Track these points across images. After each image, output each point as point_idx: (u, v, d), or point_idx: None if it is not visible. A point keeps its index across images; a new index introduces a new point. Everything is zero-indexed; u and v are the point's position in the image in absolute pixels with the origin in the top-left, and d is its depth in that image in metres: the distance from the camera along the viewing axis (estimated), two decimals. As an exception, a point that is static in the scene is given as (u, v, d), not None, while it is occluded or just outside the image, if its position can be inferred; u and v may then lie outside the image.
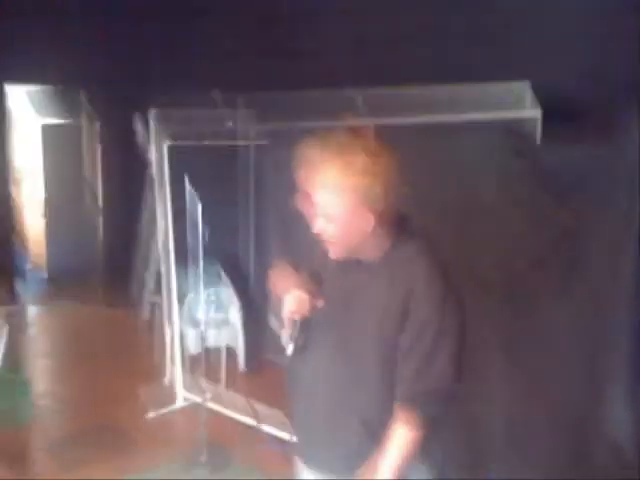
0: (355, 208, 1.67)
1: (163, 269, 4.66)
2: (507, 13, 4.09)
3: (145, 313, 5.74)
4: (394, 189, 1.68)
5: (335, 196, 1.67)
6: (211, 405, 4.17)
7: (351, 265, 1.82)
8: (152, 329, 5.19)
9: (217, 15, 5.78)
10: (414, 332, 1.73)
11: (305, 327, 1.81)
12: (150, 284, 5.58)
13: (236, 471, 3.74)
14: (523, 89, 3.61)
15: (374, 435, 1.79)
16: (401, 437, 1.75)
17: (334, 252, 1.78)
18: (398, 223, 1.79)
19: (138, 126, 4.48)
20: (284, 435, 3.89)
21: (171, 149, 4.42)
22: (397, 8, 4.69)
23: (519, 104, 3.58)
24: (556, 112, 3.53)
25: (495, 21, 4.16)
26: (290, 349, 1.80)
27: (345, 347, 1.82)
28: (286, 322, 1.82)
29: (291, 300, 1.78)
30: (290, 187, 1.72)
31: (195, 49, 5.85)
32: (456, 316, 1.76)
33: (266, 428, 3.99)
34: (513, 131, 3.20)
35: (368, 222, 1.70)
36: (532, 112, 3.55)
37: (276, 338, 4.98)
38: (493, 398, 2.83)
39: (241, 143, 4.94)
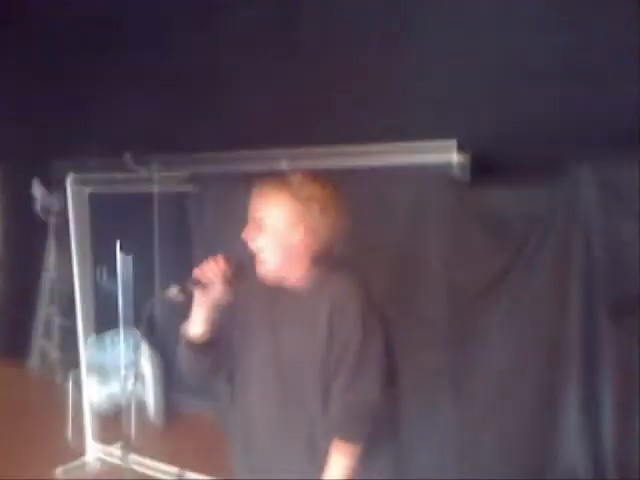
0: (292, 222, 1.84)
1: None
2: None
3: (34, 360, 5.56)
4: (331, 218, 1.87)
5: (277, 210, 1.85)
6: (123, 460, 3.99)
7: (277, 294, 1.92)
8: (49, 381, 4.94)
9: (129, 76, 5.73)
10: (339, 350, 1.83)
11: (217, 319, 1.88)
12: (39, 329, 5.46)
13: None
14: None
15: (319, 456, 1.85)
16: (337, 460, 1.83)
17: (265, 269, 1.87)
18: (325, 253, 1.91)
19: (37, 191, 4.41)
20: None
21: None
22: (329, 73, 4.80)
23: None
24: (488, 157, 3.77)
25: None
26: (170, 295, 1.83)
27: (281, 375, 1.88)
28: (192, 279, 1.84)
29: (210, 264, 1.85)
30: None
31: (102, 112, 5.74)
32: (377, 334, 1.88)
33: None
34: (446, 174, 3.36)
35: (299, 237, 1.85)
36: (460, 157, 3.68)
37: (188, 388, 4.87)
38: (445, 430, 2.94)
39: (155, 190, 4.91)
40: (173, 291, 1.82)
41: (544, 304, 2.78)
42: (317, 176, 1.92)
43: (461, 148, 3.52)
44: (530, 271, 2.80)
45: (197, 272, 1.83)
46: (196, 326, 1.88)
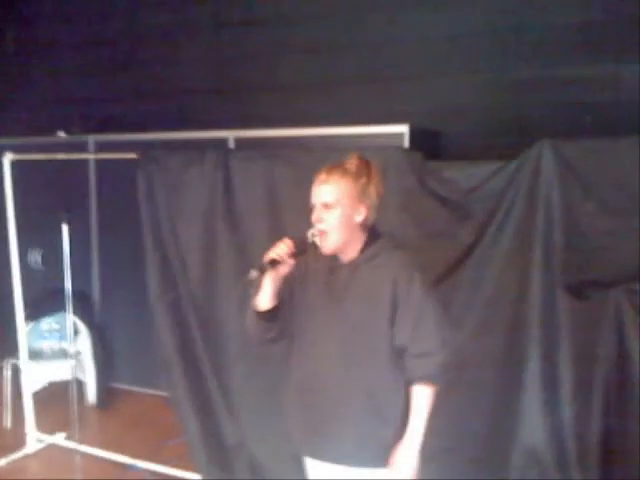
0: (351, 199, 2.07)
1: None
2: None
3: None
4: (380, 196, 2.13)
5: (336, 188, 2.06)
6: (68, 444, 3.87)
7: (335, 266, 2.14)
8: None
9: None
10: (407, 311, 2.04)
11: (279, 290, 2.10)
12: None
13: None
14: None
15: (380, 413, 2.08)
16: (420, 403, 2.05)
17: (326, 246, 2.08)
18: (373, 227, 2.16)
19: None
20: (157, 469, 3.72)
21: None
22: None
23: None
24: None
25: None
26: (252, 277, 2.01)
27: (344, 337, 2.09)
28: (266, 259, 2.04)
29: (281, 245, 2.05)
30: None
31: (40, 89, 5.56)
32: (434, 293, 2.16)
33: (141, 464, 3.78)
34: (405, 150, 3.32)
35: (360, 214, 2.09)
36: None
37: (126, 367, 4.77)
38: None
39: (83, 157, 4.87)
40: (253, 274, 2.00)
41: (505, 282, 2.79)
42: (367, 159, 2.14)
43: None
44: (493, 248, 2.80)
45: (270, 253, 2.03)
46: (266, 300, 2.10)
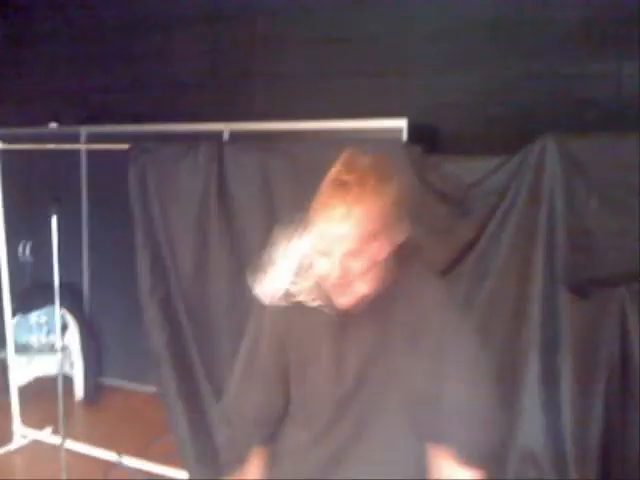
0: (382, 228, 1.45)
1: None
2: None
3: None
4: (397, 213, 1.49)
5: (360, 222, 1.41)
6: (54, 440, 3.78)
7: (337, 319, 1.59)
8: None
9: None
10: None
11: None
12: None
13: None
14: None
15: None
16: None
17: (348, 302, 1.52)
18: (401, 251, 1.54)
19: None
20: (144, 466, 3.65)
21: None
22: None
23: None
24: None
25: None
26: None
27: (368, 412, 1.60)
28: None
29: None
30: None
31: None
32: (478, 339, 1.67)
33: (127, 461, 3.70)
34: (405, 143, 3.25)
35: (384, 248, 1.49)
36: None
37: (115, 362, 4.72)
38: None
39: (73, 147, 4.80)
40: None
41: (507, 279, 2.72)
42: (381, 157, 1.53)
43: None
44: (494, 245, 2.73)
45: None
46: None
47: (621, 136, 2.57)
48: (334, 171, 1.46)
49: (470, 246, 2.75)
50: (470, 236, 2.75)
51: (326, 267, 1.47)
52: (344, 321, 1.57)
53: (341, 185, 1.42)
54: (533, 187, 2.65)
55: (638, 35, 3.51)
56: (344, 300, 1.51)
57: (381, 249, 1.47)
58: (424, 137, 3.72)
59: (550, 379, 2.66)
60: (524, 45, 3.79)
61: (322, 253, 1.47)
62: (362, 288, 1.49)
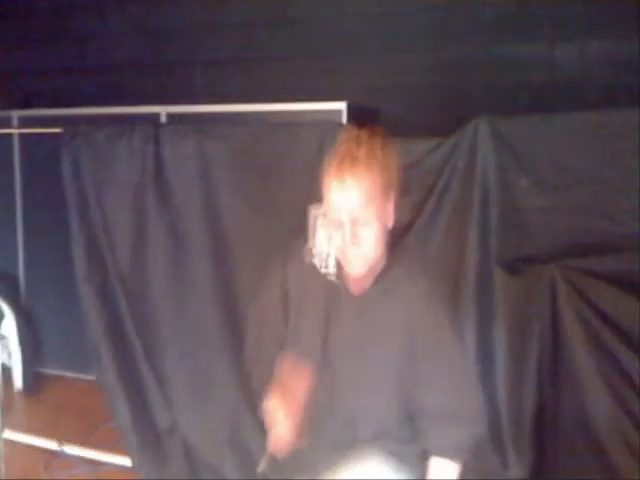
0: (384, 202, 1.60)
1: None
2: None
3: None
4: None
5: (369, 193, 1.54)
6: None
7: (340, 297, 1.72)
8: None
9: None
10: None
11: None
12: None
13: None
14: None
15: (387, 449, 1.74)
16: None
17: (360, 271, 1.63)
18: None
19: None
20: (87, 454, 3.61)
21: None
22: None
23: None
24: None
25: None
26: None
27: (362, 364, 1.72)
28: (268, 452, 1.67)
29: (275, 437, 1.61)
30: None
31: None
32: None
33: (69, 450, 3.64)
34: (343, 125, 3.25)
35: (390, 218, 1.64)
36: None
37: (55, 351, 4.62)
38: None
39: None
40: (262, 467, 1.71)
41: (444, 257, 2.76)
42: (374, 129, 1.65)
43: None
44: (431, 226, 2.78)
45: (271, 444, 1.64)
46: None
47: (550, 117, 2.64)
48: (344, 147, 1.58)
49: (407, 228, 2.78)
50: (409, 216, 2.79)
51: (340, 238, 1.59)
52: (347, 298, 1.71)
53: (353, 160, 1.53)
54: (467, 168, 2.70)
55: (572, 17, 3.58)
56: (355, 267, 1.61)
57: (388, 215, 1.62)
58: (364, 119, 3.73)
59: (484, 356, 2.73)
60: (460, 27, 3.82)
61: (337, 224, 1.58)
62: (371, 252, 1.60)
